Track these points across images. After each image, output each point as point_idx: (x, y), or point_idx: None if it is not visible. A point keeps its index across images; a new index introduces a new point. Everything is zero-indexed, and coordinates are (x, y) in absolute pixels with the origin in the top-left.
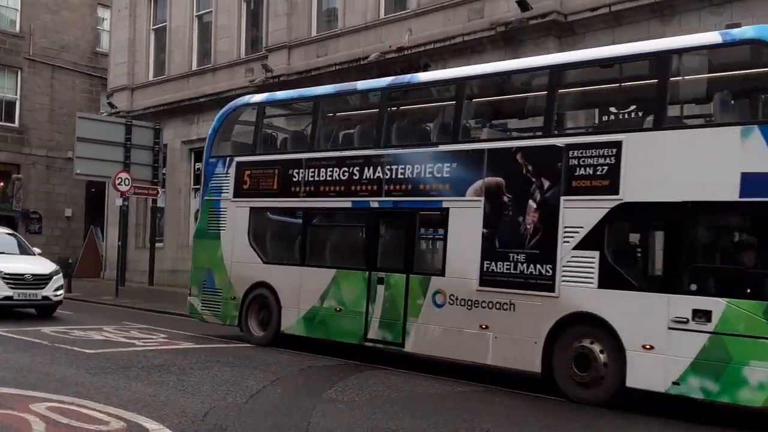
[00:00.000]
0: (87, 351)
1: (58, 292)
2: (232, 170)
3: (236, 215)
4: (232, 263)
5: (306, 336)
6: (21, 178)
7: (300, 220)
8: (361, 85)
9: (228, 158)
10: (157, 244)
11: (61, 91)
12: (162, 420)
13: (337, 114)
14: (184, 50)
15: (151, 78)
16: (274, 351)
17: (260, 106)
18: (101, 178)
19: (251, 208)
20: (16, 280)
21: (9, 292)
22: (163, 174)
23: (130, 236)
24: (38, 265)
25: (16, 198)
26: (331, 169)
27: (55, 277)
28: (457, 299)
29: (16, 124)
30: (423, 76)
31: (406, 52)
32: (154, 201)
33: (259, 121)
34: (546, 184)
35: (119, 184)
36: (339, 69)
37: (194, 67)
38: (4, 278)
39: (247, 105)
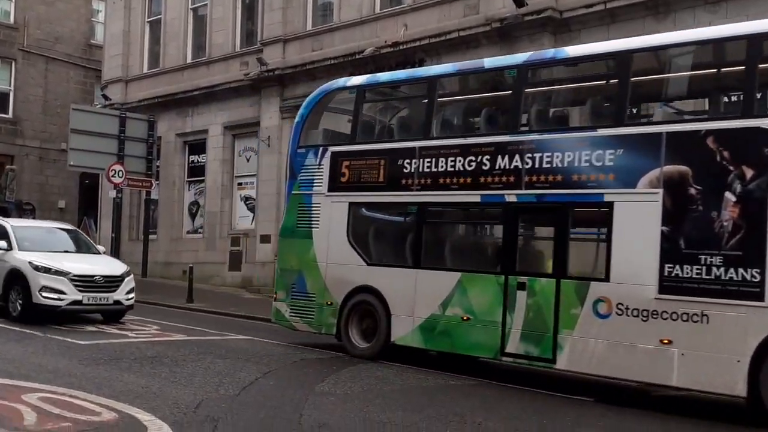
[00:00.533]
0: (79, 342)
1: (130, 296)
2: (326, 161)
3: (332, 211)
4: (328, 265)
5: (423, 348)
6: (14, 169)
7: (413, 217)
8: (490, 62)
9: (320, 148)
10: (150, 236)
11: (55, 82)
12: (154, 411)
13: (459, 96)
14: (179, 43)
15: (145, 70)
16: (266, 343)
17: (360, 90)
18: (95, 170)
19: (351, 204)
20: (85, 282)
21: (78, 296)
22: (157, 166)
23: (124, 228)
24: (108, 265)
25: (10, 189)
26: (452, 158)
27: (126, 279)
28: (627, 309)
29: (10, 115)
30: (571, 51)
31: (401, 47)
32: (148, 193)
33: (358, 106)
34: (749, 173)
35: (113, 176)
36: (334, 63)
37: (189, 60)
38: (72, 280)
39: (344, 89)
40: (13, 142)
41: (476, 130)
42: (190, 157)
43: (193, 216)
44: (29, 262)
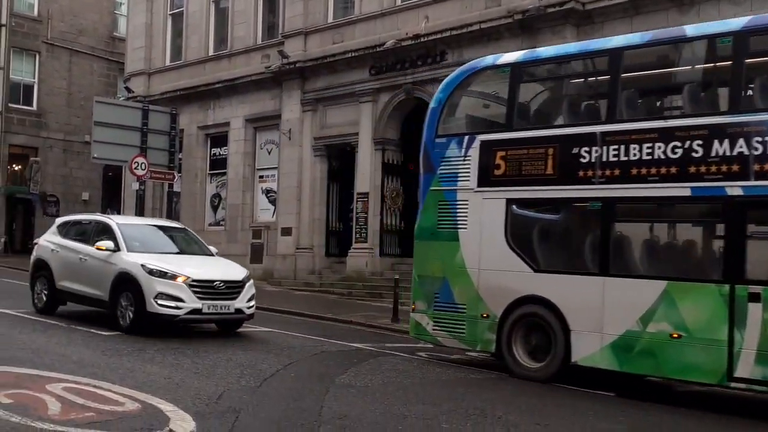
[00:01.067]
0: (103, 333)
1: (251, 303)
2: (474, 152)
3: (484, 209)
4: (481, 271)
5: (617, 371)
6: (39, 161)
7: (596, 214)
8: (694, 30)
9: (466, 137)
10: None
11: (78, 75)
12: (176, 402)
13: (651, 70)
14: (201, 36)
15: (167, 63)
16: (287, 336)
17: (517, 68)
18: (118, 162)
19: (509, 200)
20: (205, 288)
21: (197, 304)
22: (179, 159)
23: None
24: (227, 269)
25: (34, 181)
26: (649, 144)
27: (247, 285)
28: None
29: (35, 107)
30: None
31: (422, 40)
32: (171, 186)
33: (514, 86)
34: None
35: (136, 168)
36: (355, 56)
37: (211, 53)
38: (191, 286)
39: (494, 67)
40: (37, 134)
41: (677, 110)
42: (212, 149)
43: (215, 208)
44: (142, 265)
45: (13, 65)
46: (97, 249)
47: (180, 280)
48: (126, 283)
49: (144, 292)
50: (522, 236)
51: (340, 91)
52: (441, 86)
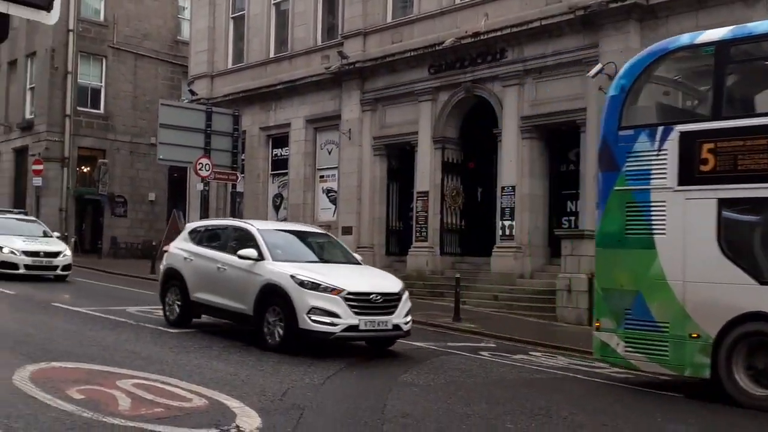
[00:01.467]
0: (170, 330)
1: (408, 318)
2: (672, 145)
3: (687, 212)
4: (687, 284)
5: None
6: (107, 163)
7: None
8: None
9: (659, 128)
10: None
11: (143, 78)
12: (242, 398)
13: None
14: (262, 38)
15: (230, 66)
16: None
17: (722, 46)
18: (183, 164)
19: (722, 200)
20: (361, 302)
21: (354, 320)
22: (242, 160)
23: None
24: (382, 279)
25: (102, 182)
26: None
27: (404, 297)
28: None
29: (102, 110)
30: None
31: (482, 37)
32: (234, 186)
33: (721, 68)
34: None
35: (200, 169)
36: (414, 55)
37: (272, 55)
38: (347, 299)
39: (691, 47)
40: (104, 137)
41: None
42: (274, 150)
43: (277, 208)
44: (291, 276)
45: (81, 69)
46: (239, 257)
47: (335, 292)
48: (273, 296)
49: (295, 307)
50: (741, 242)
51: (399, 90)
52: (623, 70)
